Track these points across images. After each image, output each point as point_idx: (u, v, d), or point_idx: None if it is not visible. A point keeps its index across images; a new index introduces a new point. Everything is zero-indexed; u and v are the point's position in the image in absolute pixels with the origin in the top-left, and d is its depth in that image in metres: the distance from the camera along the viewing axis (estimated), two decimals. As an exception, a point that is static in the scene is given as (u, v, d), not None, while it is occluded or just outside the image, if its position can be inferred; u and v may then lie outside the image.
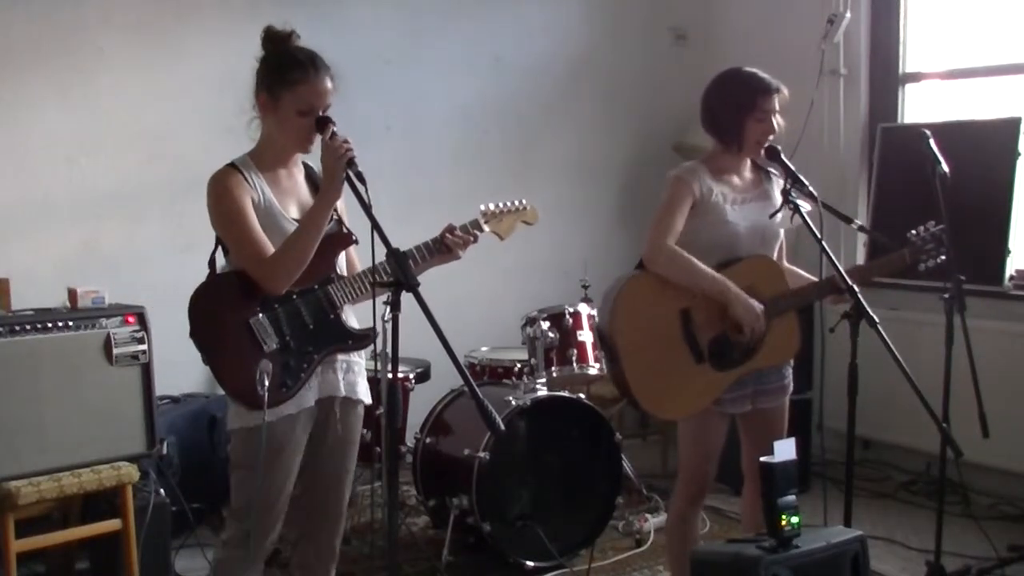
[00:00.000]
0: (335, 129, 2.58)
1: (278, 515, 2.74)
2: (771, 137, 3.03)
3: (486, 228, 2.90)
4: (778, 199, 3.06)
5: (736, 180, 3.11)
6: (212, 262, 2.71)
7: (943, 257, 3.14)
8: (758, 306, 2.97)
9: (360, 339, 2.77)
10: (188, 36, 4.63)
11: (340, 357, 2.76)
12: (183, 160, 4.53)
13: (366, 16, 5.13)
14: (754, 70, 3.08)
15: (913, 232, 3.14)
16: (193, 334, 2.62)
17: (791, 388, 3.20)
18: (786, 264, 3.24)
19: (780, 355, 3.10)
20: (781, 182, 3.07)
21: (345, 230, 2.77)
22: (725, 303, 2.97)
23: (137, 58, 4.56)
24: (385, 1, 5.21)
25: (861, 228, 3.42)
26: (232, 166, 2.67)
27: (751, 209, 3.06)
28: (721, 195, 3.05)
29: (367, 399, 2.86)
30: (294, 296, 2.66)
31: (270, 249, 2.61)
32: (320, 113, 2.63)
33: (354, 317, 2.80)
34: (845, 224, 3.25)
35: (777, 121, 3.06)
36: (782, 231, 3.14)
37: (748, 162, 3.14)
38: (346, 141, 2.56)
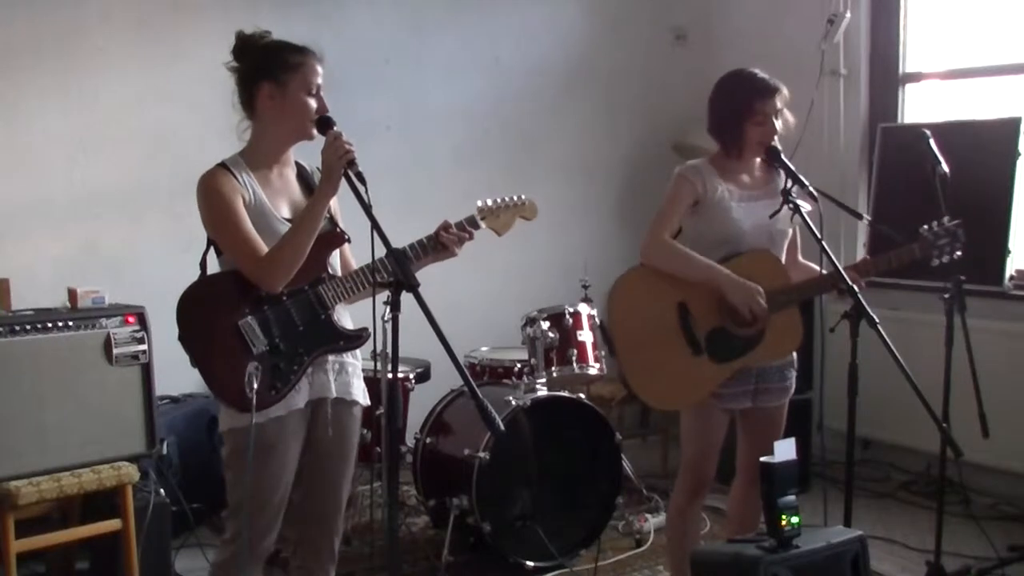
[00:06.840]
0: (338, 129, 2.58)
1: (273, 516, 2.72)
2: (775, 138, 3.02)
3: (482, 224, 2.85)
4: None
5: (744, 178, 3.10)
6: (203, 263, 2.70)
7: (959, 253, 3.12)
8: (753, 285, 2.95)
9: (352, 339, 2.75)
10: (188, 36, 4.63)
11: (331, 358, 2.73)
12: (183, 160, 4.48)
13: (366, 16, 5.13)
14: (754, 72, 3.06)
15: (925, 227, 3.11)
16: (182, 337, 2.61)
17: (792, 390, 3.20)
18: (801, 259, 3.22)
19: (781, 349, 3.10)
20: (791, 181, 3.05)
21: (338, 229, 2.76)
22: (719, 288, 2.96)
23: (137, 58, 4.56)
24: (385, 1, 5.21)
25: (872, 223, 3.41)
26: (222, 166, 2.66)
27: (758, 207, 3.05)
28: (727, 192, 3.04)
29: (363, 400, 2.83)
30: (284, 297, 2.64)
31: (264, 248, 2.59)
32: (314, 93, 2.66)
33: (348, 316, 2.79)
34: (847, 223, 3.24)
35: (785, 119, 3.05)
36: (790, 229, 3.14)
37: (758, 160, 3.12)
38: (348, 143, 2.55)
